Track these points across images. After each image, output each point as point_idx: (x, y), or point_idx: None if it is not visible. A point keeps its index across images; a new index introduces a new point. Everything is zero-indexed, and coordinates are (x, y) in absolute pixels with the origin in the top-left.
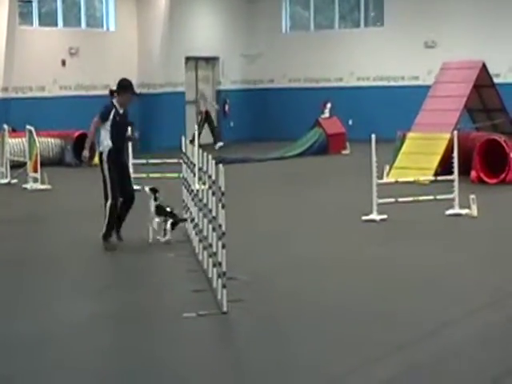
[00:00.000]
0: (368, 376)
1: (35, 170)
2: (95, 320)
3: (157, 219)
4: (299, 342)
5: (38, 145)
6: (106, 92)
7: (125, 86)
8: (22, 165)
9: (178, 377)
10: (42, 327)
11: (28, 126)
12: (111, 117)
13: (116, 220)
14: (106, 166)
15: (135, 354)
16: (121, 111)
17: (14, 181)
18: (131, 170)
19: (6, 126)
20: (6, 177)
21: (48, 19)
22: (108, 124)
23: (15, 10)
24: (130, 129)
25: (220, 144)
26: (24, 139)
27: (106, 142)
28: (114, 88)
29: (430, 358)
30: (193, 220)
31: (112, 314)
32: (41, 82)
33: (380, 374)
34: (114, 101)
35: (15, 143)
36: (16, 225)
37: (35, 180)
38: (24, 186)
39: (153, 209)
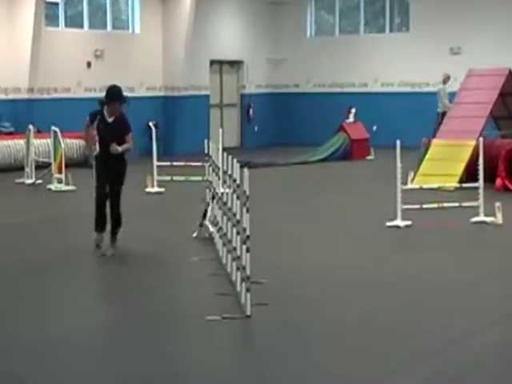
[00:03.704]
0: None
1: (60, 171)
2: (118, 322)
3: None
4: (322, 348)
5: (62, 146)
6: (131, 94)
7: (112, 95)
8: (47, 166)
9: (200, 380)
10: (63, 329)
11: (53, 127)
12: (95, 124)
13: (111, 229)
14: (94, 170)
15: (157, 356)
16: (109, 120)
17: (39, 181)
18: (155, 172)
19: (31, 127)
20: (31, 177)
21: (74, 21)
22: (95, 130)
23: (41, 11)
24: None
25: None
26: (49, 140)
27: (96, 147)
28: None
29: (454, 367)
30: (217, 224)
31: (134, 317)
32: (66, 84)
33: (404, 383)
34: (104, 109)
35: (40, 144)
36: (39, 225)
37: (60, 181)
38: (48, 186)
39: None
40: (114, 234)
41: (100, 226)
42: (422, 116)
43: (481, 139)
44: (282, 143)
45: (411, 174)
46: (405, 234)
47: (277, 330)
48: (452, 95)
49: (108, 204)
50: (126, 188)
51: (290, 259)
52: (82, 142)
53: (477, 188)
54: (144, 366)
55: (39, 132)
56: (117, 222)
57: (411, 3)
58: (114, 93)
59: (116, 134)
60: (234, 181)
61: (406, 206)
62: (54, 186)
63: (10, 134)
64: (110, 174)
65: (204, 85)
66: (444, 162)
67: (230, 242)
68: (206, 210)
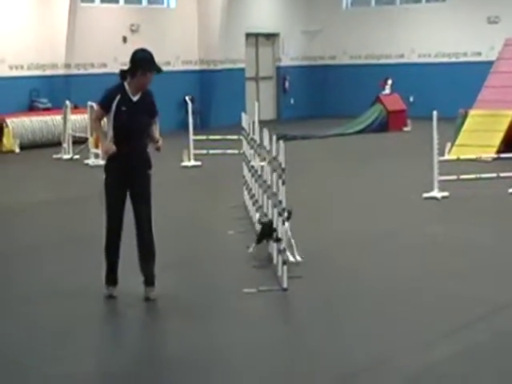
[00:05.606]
0: (424, 356)
1: (97, 146)
2: (157, 296)
3: None
4: (356, 320)
5: None
6: (167, 68)
7: (147, 61)
8: (84, 141)
9: (236, 352)
10: (99, 302)
11: (90, 103)
12: (114, 106)
13: (142, 267)
14: (104, 182)
15: (194, 329)
16: (134, 98)
17: (76, 156)
18: (191, 146)
19: (68, 103)
20: (69, 152)
21: None
22: (111, 117)
23: None
24: (155, 125)
25: None
26: (86, 115)
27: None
28: (126, 67)
29: (489, 338)
30: (253, 196)
31: (172, 290)
32: (102, 59)
33: (445, 351)
34: (126, 83)
35: (77, 119)
36: (76, 201)
37: (97, 156)
38: (86, 161)
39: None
40: (150, 274)
41: (113, 275)
42: (459, 87)
43: None
44: (318, 115)
45: (448, 145)
46: (442, 204)
47: (313, 302)
48: (490, 65)
49: (138, 234)
50: (162, 162)
51: (326, 230)
52: None
53: None
54: (181, 338)
55: (76, 107)
56: (152, 256)
57: None
58: (148, 58)
59: (144, 118)
60: (270, 153)
61: (443, 178)
62: (91, 161)
63: (47, 109)
64: (132, 186)
65: (240, 58)
66: (481, 132)
67: (265, 215)
68: (267, 223)
